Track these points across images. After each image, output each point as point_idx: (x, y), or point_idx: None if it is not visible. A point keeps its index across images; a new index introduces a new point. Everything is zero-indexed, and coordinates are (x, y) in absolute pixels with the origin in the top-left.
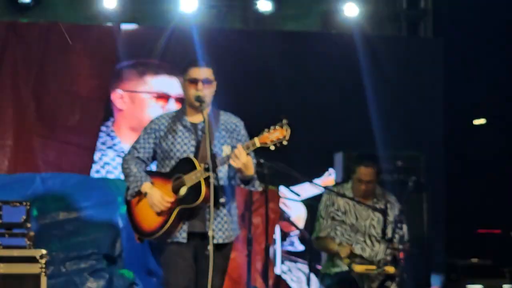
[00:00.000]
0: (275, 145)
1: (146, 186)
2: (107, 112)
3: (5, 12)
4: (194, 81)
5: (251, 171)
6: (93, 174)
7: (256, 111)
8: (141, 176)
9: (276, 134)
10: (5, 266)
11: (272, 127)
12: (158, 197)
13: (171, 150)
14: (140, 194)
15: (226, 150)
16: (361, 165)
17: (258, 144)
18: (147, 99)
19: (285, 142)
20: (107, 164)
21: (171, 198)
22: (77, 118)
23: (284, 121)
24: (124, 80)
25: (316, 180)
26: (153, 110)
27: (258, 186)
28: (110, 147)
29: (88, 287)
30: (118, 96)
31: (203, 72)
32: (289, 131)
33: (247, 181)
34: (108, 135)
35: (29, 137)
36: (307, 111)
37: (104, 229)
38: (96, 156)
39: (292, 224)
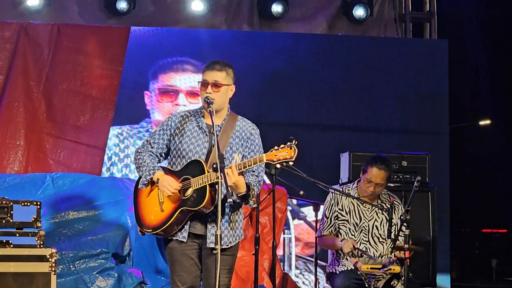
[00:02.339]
0: (281, 164)
1: (159, 174)
2: (142, 113)
3: (15, 13)
4: (205, 83)
5: (241, 189)
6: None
7: (264, 112)
8: (154, 166)
9: (283, 154)
10: (15, 265)
11: (282, 146)
12: (169, 180)
13: (184, 149)
14: (151, 184)
15: (236, 158)
16: (375, 166)
17: (264, 160)
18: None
19: (291, 163)
20: None
21: (178, 187)
22: (87, 118)
23: (294, 142)
24: (154, 79)
25: None
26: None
27: (252, 204)
28: None
29: (97, 286)
30: (147, 96)
31: (214, 75)
32: (296, 151)
33: (240, 197)
34: None
35: (39, 137)
36: (315, 111)
37: (113, 229)
38: None
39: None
